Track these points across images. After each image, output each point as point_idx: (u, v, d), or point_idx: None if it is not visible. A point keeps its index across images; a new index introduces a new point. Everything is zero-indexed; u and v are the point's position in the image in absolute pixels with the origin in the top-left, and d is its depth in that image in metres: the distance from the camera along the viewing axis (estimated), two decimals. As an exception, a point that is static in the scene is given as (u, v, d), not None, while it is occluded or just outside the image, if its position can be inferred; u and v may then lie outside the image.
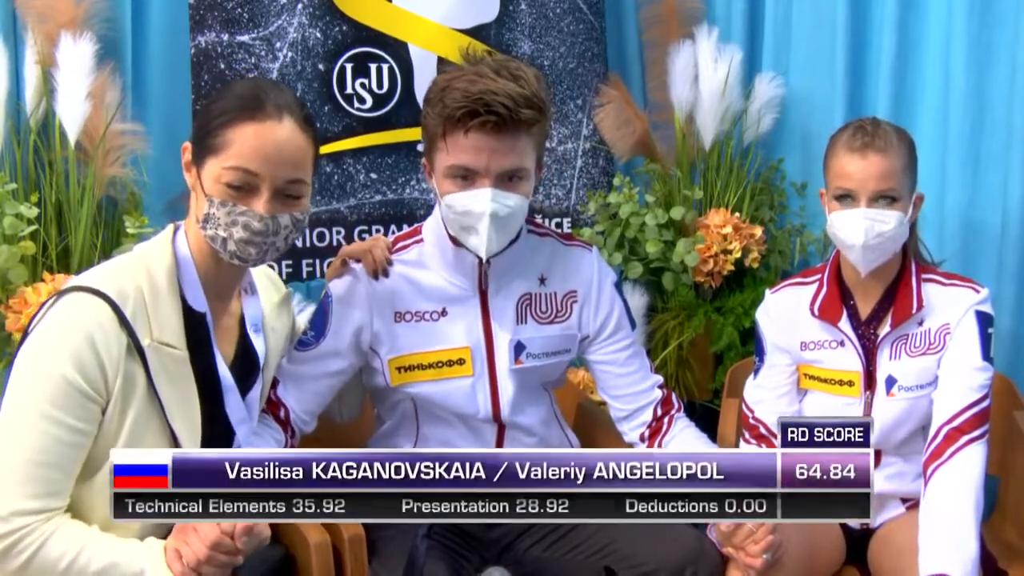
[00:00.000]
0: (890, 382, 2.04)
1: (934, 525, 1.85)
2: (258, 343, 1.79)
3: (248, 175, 1.59)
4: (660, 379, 2.08)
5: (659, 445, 2.01)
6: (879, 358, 2.05)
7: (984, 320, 2.01)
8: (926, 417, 2.02)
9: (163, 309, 1.62)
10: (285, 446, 1.87)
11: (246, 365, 1.78)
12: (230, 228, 1.60)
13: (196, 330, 1.67)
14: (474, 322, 1.95)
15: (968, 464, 1.91)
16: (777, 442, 2.03)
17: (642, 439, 2.03)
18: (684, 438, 2.01)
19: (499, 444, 2.01)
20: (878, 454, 2.06)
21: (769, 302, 2.17)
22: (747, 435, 2.13)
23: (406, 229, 2.06)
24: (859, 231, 1.96)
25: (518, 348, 1.96)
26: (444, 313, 1.94)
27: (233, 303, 1.77)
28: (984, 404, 1.96)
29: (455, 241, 1.90)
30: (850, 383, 2.06)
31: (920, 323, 2.04)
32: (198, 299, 1.68)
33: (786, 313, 2.13)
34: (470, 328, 1.95)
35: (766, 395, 2.14)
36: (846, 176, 1.98)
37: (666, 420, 2.03)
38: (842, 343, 2.07)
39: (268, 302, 1.86)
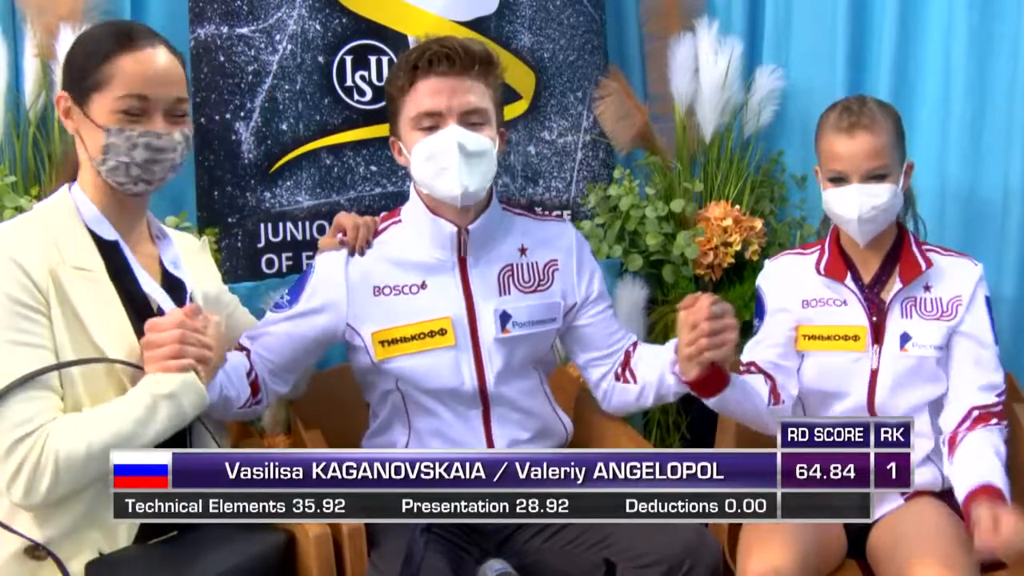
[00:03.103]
0: (905, 338, 2.09)
1: (966, 463, 1.97)
2: (182, 275, 1.86)
3: (140, 100, 1.69)
4: (633, 336, 2.18)
5: (629, 371, 2.10)
6: (890, 316, 2.10)
7: (990, 304, 2.12)
8: (933, 387, 2.09)
9: (71, 240, 1.71)
10: (249, 375, 1.95)
11: (173, 298, 1.82)
12: (131, 152, 1.69)
13: (112, 258, 1.75)
14: (454, 292, 2.00)
15: (992, 433, 2.02)
16: (766, 374, 2.08)
17: (616, 377, 2.12)
18: (650, 350, 2.11)
19: (487, 424, 2.03)
20: None
21: (769, 267, 2.25)
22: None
23: (387, 212, 2.12)
24: (854, 207, 2.04)
25: (504, 317, 2.01)
26: (424, 286, 1.99)
27: (147, 245, 1.84)
28: (1003, 396, 2.08)
29: (432, 211, 1.98)
30: (855, 337, 2.11)
31: (927, 288, 2.11)
32: (106, 230, 1.76)
33: (788, 274, 2.20)
34: (450, 298, 1.99)
35: (759, 347, 2.19)
36: (837, 158, 2.06)
37: (632, 352, 2.13)
38: (845, 302, 2.13)
39: (186, 249, 1.93)
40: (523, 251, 2.05)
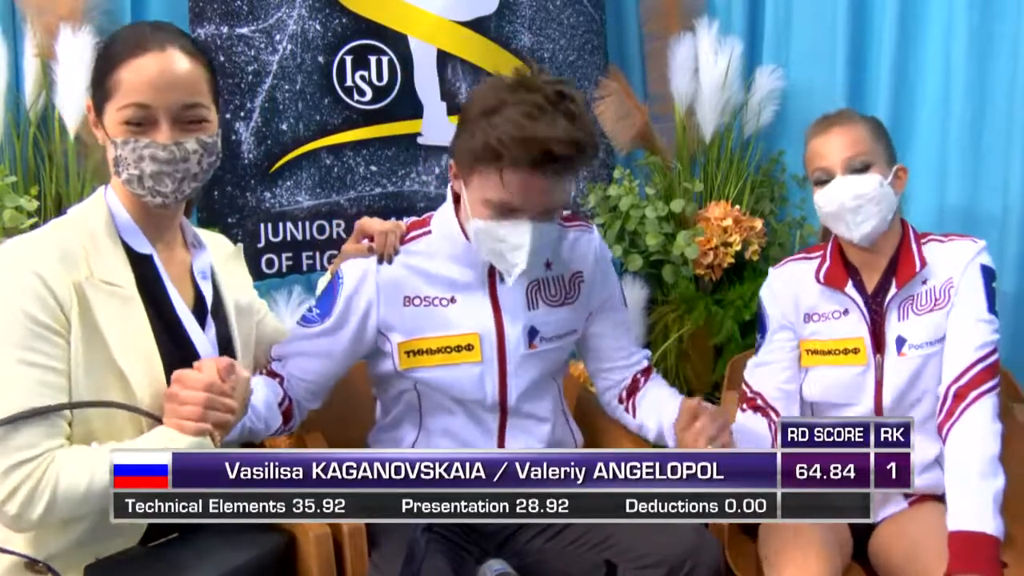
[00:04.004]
0: (900, 342, 2.05)
1: (956, 482, 1.90)
2: (205, 288, 1.80)
3: (142, 109, 1.61)
4: (647, 352, 2.14)
5: (632, 403, 2.07)
6: (888, 321, 2.06)
7: (987, 273, 2.05)
8: (939, 381, 2.03)
9: (103, 252, 1.65)
10: (281, 403, 1.91)
11: (201, 311, 1.79)
12: (139, 164, 1.62)
13: (144, 272, 1.70)
14: (484, 309, 1.96)
15: (979, 415, 1.94)
16: (773, 415, 2.09)
17: (620, 401, 2.10)
18: (655, 394, 2.07)
19: (501, 432, 2.01)
20: None
21: (772, 277, 2.20)
22: (745, 407, 2.13)
23: (415, 219, 2.07)
24: (837, 197, 2.01)
25: (532, 333, 1.98)
26: (453, 300, 1.96)
27: (181, 252, 1.79)
28: (992, 359, 1.99)
29: (466, 235, 1.92)
30: (855, 350, 2.07)
31: (924, 282, 2.06)
32: (140, 242, 1.70)
33: (790, 285, 2.16)
34: (479, 315, 1.96)
35: (765, 370, 2.15)
36: (818, 156, 2.05)
37: (642, 380, 2.10)
38: (846, 312, 2.09)
39: (220, 256, 1.88)
40: (548, 265, 2.00)
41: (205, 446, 1.59)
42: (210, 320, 1.79)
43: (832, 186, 2.03)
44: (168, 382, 1.65)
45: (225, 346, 1.80)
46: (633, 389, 2.10)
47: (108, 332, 1.61)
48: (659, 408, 2.05)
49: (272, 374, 1.94)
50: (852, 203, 2.00)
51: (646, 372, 2.12)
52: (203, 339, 1.75)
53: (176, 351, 1.69)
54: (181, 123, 1.64)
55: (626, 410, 2.09)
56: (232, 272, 1.90)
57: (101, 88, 1.65)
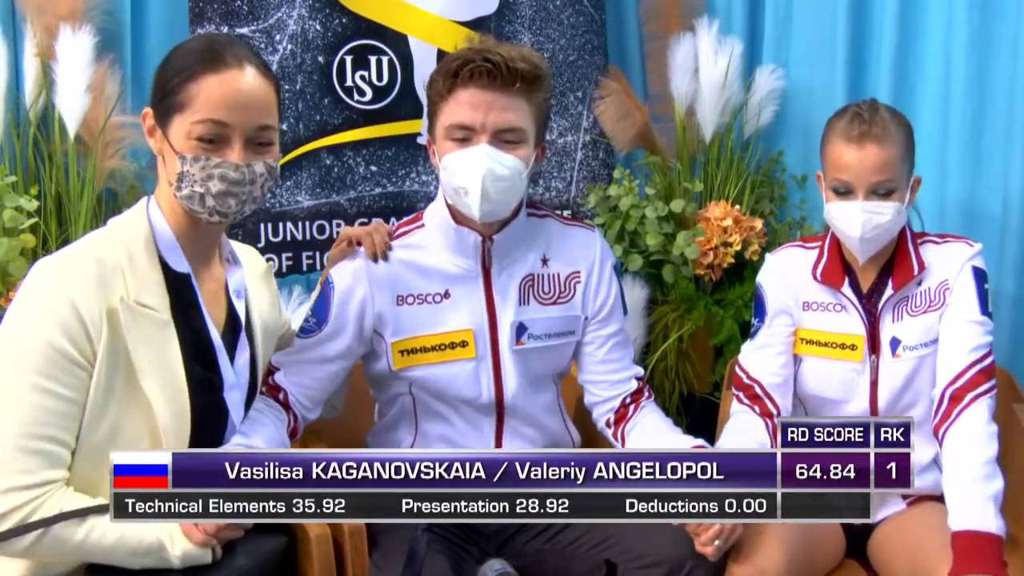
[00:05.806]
0: (894, 343, 2.05)
1: (955, 485, 1.88)
2: (239, 307, 1.79)
3: (218, 126, 1.59)
4: (639, 372, 2.10)
5: (622, 432, 2.04)
6: (882, 322, 2.06)
7: (980, 275, 2.03)
8: (934, 383, 2.02)
9: (141, 271, 1.62)
10: (288, 427, 1.90)
11: (235, 331, 1.77)
12: (206, 183, 1.59)
13: (180, 292, 1.67)
14: (477, 303, 1.96)
15: (975, 418, 1.92)
16: (769, 404, 2.08)
17: (608, 424, 2.06)
18: (645, 425, 2.03)
19: (498, 435, 2.01)
20: None
21: (770, 262, 2.19)
22: (741, 396, 2.11)
23: (405, 219, 2.07)
24: (856, 224, 1.97)
25: (520, 329, 1.97)
26: (447, 295, 1.96)
27: (217, 268, 1.77)
28: (987, 362, 1.97)
29: (457, 220, 1.93)
30: (853, 347, 2.06)
31: (919, 283, 2.05)
32: (179, 260, 1.68)
33: (788, 271, 2.15)
34: (473, 309, 1.96)
35: (763, 354, 2.13)
36: (843, 167, 1.97)
37: (632, 407, 2.05)
38: (844, 308, 2.08)
39: (252, 274, 1.86)
40: (545, 261, 2.00)
41: (202, 556, 1.58)
42: (244, 340, 1.77)
43: (852, 209, 1.97)
44: (192, 408, 1.64)
45: (252, 367, 1.80)
46: (622, 416, 2.05)
47: (136, 356, 1.59)
48: (650, 446, 1.99)
49: (274, 388, 1.92)
50: (870, 233, 1.97)
51: (636, 396, 2.07)
52: (229, 367, 1.73)
53: (204, 377, 1.68)
54: (252, 144, 1.63)
55: (615, 437, 2.05)
56: (262, 290, 1.89)
57: (169, 99, 1.61)
